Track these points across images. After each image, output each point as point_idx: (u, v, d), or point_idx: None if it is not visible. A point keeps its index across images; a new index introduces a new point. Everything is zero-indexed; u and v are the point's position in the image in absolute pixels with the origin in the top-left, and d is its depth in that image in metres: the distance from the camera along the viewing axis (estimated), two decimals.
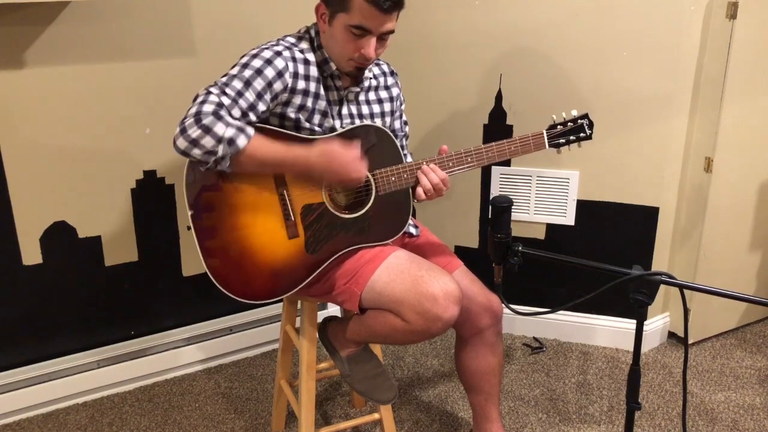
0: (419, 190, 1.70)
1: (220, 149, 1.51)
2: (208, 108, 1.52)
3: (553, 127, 1.77)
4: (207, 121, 1.50)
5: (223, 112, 1.53)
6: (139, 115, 2.22)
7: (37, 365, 2.24)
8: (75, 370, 2.28)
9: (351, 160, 1.60)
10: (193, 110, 1.52)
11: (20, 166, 2.09)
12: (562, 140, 1.77)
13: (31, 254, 2.17)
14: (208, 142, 1.51)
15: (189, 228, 1.63)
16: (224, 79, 1.58)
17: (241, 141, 1.53)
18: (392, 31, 1.64)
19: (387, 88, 1.84)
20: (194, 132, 1.50)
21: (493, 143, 1.72)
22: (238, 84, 1.56)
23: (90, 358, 2.31)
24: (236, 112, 1.56)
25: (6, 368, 2.21)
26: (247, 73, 1.58)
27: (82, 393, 2.30)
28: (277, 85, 1.61)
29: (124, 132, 2.21)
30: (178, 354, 2.44)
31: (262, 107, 1.60)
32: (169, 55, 2.22)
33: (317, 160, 1.59)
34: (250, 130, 1.56)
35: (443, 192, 1.71)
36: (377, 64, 1.84)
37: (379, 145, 1.71)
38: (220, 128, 1.51)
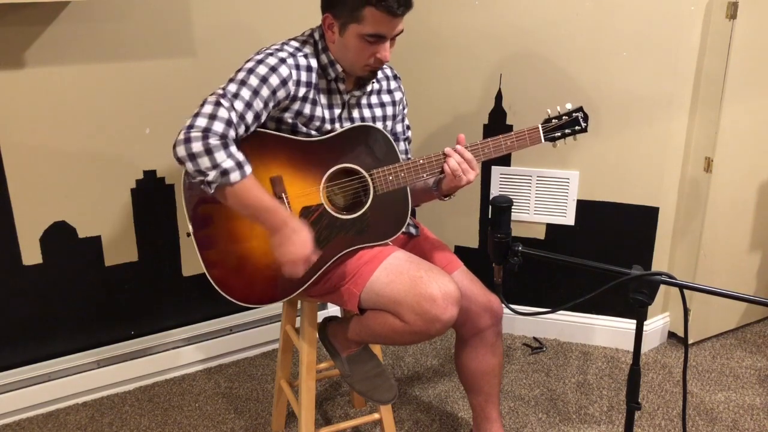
0: (446, 168, 1.68)
1: (212, 174, 1.50)
2: (218, 127, 1.50)
3: (548, 121, 1.77)
4: (213, 142, 1.49)
5: (231, 135, 1.52)
6: (139, 115, 2.22)
7: (37, 365, 2.24)
8: (75, 370, 2.28)
9: (300, 258, 1.57)
10: (202, 123, 1.50)
11: (20, 166, 2.09)
12: (557, 134, 1.77)
13: (31, 254, 2.17)
14: (204, 162, 1.49)
15: (188, 235, 1.63)
16: (233, 89, 1.56)
17: (234, 177, 1.51)
18: (402, 31, 1.64)
19: (390, 92, 1.84)
20: (197, 147, 1.49)
21: (489, 139, 1.72)
22: (246, 94, 1.56)
23: (90, 358, 2.31)
24: (242, 129, 1.55)
25: (6, 368, 2.21)
26: (254, 81, 1.57)
27: (82, 393, 2.30)
28: (281, 93, 1.61)
29: (124, 132, 2.21)
30: (178, 354, 2.44)
31: (265, 115, 1.61)
32: (169, 55, 2.22)
33: (288, 234, 1.56)
34: (248, 170, 1.53)
35: (472, 175, 1.69)
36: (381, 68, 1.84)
37: (376, 145, 1.71)
38: (220, 156, 1.49)
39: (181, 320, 2.47)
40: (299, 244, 1.56)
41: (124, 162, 2.24)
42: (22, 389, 2.20)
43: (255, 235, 1.64)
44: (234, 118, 1.54)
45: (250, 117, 1.57)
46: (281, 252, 1.57)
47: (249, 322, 2.55)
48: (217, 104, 1.53)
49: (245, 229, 1.64)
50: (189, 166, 1.51)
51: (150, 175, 2.29)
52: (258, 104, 1.57)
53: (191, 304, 2.47)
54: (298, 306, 1.98)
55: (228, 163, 1.50)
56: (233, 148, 1.52)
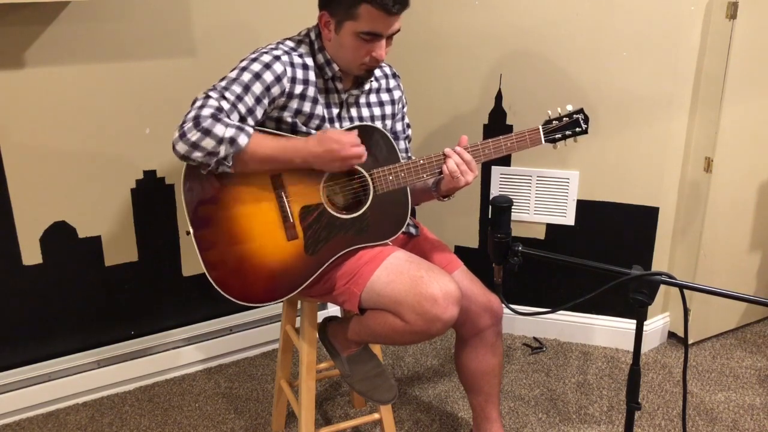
0: (444, 169, 1.68)
1: (222, 150, 1.52)
2: (206, 112, 1.52)
3: (548, 122, 1.76)
4: (206, 123, 1.51)
5: (222, 115, 1.54)
6: (139, 115, 2.22)
7: (37, 365, 2.24)
8: (75, 370, 2.28)
9: (348, 140, 1.59)
10: (192, 114, 1.52)
11: (20, 166, 2.09)
12: (558, 135, 1.76)
13: (31, 254, 2.17)
14: (208, 143, 1.51)
15: (188, 233, 1.63)
16: (223, 83, 1.58)
17: (242, 139, 1.54)
18: (398, 30, 1.64)
19: (389, 90, 1.84)
20: (194, 135, 1.50)
21: (489, 140, 1.72)
22: (237, 88, 1.57)
23: (90, 358, 2.31)
24: (235, 117, 1.56)
25: (6, 368, 2.21)
26: (246, 77, 1.58)
27: (82, 393, 2.30)
28: (275, 90, 1.61)
29: (124, 132, 2.21)
30: (178, 354, 2.44)
31: (259, 112, 1.61)
32: (169, 55, 2.22)
33: (317, 146, 1.59)
34: (250, 129, 1.56)
35: (470, 176, 1.69)
36: (380, 66, 1.84)
37: (376, 145, 1.71)
38: (219, 129, 1.51)
39: (181, 320, 2.47)
40: (336, 142, 1.58)
41: (124, 162, 2.24)
42: (22, 389, 2.20)
43: (255, 235, 1.64)
44: (225, 105, 1.55)
45: (242, 108, 1.57)
46: (334, 164, 1.60)
47: (249, 322, 2.55)
48: (206, 98, 1.56)
49: (245, 229, 1.64)
50: (197, 155, 1.52)
51: (150, 175, 2.29)
52: (250, 99, 1.58)
53: (191, 304, 2.47)
54: (298, 306, 1.98)
55: (230, 132, 1.52)
56: (227, 119, 1.54)
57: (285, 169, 1.64)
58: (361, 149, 1.61)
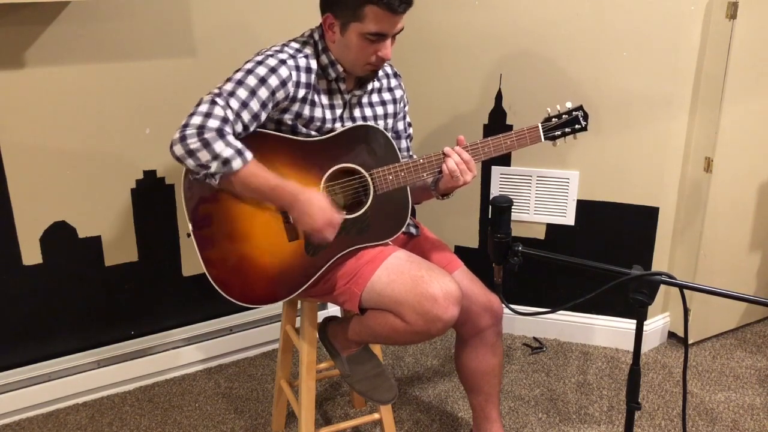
0: (444, 168, 1.68)
1: (214, 166, 1.51)
2: (212, 123, 1.51)
3: (548, 120, 1.77)
4: (209, 136, 1.50)
5: (227, 129, 1.53)
6: (139, 115, 2.22)
7: (37, 365, 2.24)
8: (75, 370, 2.28)
9: (323, 224, 1.59)
10: (197, 121, 1.51)
11: (20, 166, 2.09)
12: (557, 133, 1.77)
13: (31, 254, 2.17)
14: (203, 156, 1.50)
15: (189, 235, 1.63)
16: (229, 87, 1.57)
17: (236, 164, 1.53)
18: (402, 29, 1.65)
19: (390, 89, 1.84)
20: (193, 143, 1.50)
21: (489, 138, 1.73)
22: (242, 94, 1.56)
23: (90, 358, 2.31)
24: (239, 127, 1.56)
25: (6, 368, 2.21)
26: (252, 81, 1.57)
27: (82, 393, 2.30)
28: (280, 94, 1.61)
29: (124, 132, 2.21)
30: (178, 354, 2.44)
31: (263, 116, 1.61)
32: (169, 55, 2.22)
33: (302, 207, 1.58)
34: (248, 155, 1.54)
35: (469, 176, 1.69)
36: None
37: (376, 145, 1.71)
38: (219, 146, 1.51)
39: (181, 320, 2.47)
40: (317, 210, 1.58)
41: (124, 162, 2.24)
42: (22, 389, 2.20)
43: (255, 235, 1.64)
44: (230, 115, 1.54)
45: (246, 116, 1.57)
46: (303, 224, 1.60)
47: (249, 322, 2.55)
48: (212, 103, 1.54)
49: (245, 229, 1.64)
50: (189, 162, 1.51)
51: (150, 175, 2.29)
52: (255, 104, 1.57)
53: (191, 304, 2.47)
54: (298, 306, 1.98)
55: (228, 152, 1.51)
56: (230, 138, 1.53)
57: (264, 201, 1.63)
58: (332, 237, 1.62)
